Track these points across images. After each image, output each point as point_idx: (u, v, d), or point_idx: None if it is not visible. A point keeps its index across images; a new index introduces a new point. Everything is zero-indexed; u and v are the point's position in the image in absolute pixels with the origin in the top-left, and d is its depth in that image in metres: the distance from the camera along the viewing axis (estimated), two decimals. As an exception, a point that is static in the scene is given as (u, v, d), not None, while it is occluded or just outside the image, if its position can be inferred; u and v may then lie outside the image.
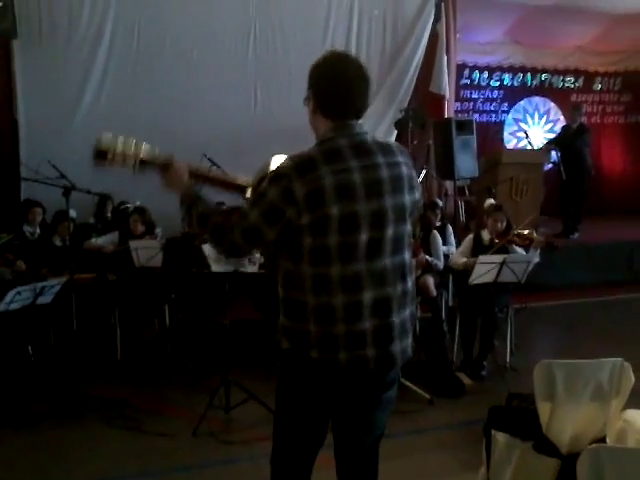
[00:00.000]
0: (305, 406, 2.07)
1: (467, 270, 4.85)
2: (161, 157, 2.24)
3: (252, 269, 4.25)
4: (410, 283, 2.09)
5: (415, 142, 8.51)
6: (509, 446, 2.61)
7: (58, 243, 5.49)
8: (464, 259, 5.13)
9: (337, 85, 2.02)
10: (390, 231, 2.01)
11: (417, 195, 2.12)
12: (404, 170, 2.07)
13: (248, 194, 2.31)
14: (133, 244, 5.25)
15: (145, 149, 2.24)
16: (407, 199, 2.05)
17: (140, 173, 2.26)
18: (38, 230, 5.86)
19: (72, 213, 5.56)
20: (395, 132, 8.69)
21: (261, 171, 2.21)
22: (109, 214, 6.68)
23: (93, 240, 5.70)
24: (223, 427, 3.96)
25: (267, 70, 7.79)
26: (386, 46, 8.82)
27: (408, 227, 2.08)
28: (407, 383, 4.47)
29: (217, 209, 2.13)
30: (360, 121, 2.07)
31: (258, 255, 4.13)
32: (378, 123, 8.81)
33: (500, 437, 2.67)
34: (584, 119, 9.43)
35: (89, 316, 5.28)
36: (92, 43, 7.24)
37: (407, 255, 2.08)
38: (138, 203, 6.10)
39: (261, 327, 4.87)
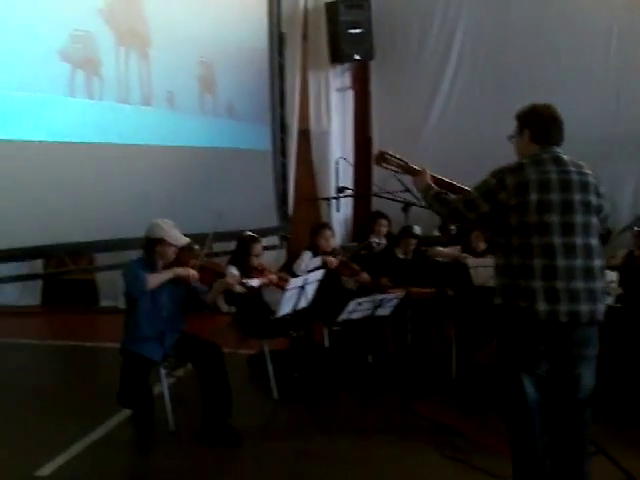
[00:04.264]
0: (518, 349, 2.77)
1: None
2: (413, 166, 3.25)
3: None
4: (596, 262, 2.72)
5: None
6: None
7: (400, 256, 5.61)
8: None
9: (548, 122, 2.92)
10: (579, 218, 2.73)
11: (602, 202, 2.84)
12: (591, 179, 2.82)
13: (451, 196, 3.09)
14: (471, 262, 5.18)
15: None
16: (593, 199, 2.78)
17: None
18: (384, 241, 6.09)
19: (417, 229, 5.65)
20: None
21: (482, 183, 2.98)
22: (454, 227, 6.63)
23: (438, 248, 5.79)
24: None
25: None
26: None
27: (595, 220, 2.78)
28: None
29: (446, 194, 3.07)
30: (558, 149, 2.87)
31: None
32: None
33: None
34: None
35: (426, 330, 5.27)
36: (442, 55, 7.34)
37: (594, 240, 2.75)
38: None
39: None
